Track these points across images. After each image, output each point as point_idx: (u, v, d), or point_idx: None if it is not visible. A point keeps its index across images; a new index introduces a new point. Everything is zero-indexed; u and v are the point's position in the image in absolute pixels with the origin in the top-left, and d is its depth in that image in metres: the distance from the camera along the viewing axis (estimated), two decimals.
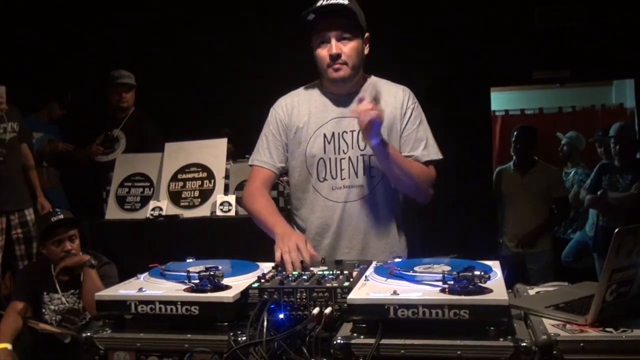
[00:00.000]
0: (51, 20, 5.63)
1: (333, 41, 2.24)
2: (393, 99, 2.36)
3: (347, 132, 2.34)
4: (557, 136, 6.22)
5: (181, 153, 3.98)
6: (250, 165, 2.45)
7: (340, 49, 2.24)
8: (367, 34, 2.32)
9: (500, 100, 7.41)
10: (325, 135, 2.35)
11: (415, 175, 2.29)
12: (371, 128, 2.07)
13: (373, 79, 2.42)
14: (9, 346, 3.01)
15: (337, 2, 2.22)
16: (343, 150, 2.35)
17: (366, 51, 2.34)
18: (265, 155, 2.41)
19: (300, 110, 2.39)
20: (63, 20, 5.64)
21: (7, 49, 5.27)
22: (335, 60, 2.25)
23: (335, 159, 2.35)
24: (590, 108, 7.61)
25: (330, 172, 2.36)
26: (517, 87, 7.35)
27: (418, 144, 2.35)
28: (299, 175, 2.41)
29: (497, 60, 5.57)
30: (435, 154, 2.37)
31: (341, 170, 2.35)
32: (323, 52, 2.27)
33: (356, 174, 2.35)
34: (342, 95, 2.37)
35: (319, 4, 2.24)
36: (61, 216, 3.15)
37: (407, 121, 2.35)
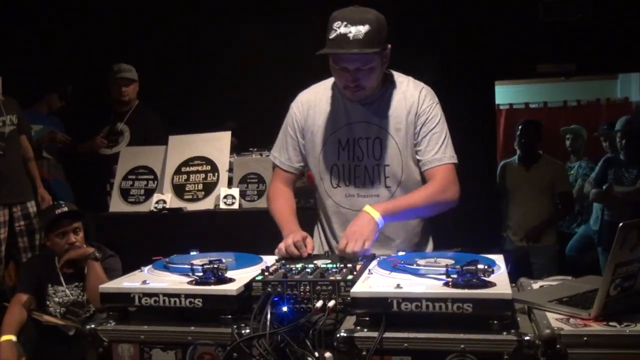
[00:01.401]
0: (50, 11, 5.61)
1: (351, 72, 2.12)
2: (409, 103, 2.25)
3: (362, 139, 2.27)
4: (561, 132, 6.19)
5: (185, 146, 3.98)
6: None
7: (357, 79, 2.14)
8: (388, 46, 2.16)
9: (505, 94, 7.38)
10: (340, 141, 2.29)
11: (427, 204, 2.19)
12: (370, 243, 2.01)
13: (393, 78, 2.29)
14: (13, 338, 3.02)
15: (351, 47, 2.03)
16: (358, 157, 2.28)
17: (386, 63, 2.21)
18: (284, 156, 2.40)
19: (316, 112, 2.32)
20: (63, 12, 5.62)
21: (4, 41, 5.25)
22: (353, 86, 2.17)
23: (350, 165, 2.29)
24: (595, 102, 7.59)
25: (344, 179, 2.31)
26: (521, 80, 7.32)
27: (432, 146, 2.23)
28: (315, 178, 2.39)
29: (502, 54, 5.55)
30: (449, 157, 2.25)
31: (355, 178, 2.30)
32: (339, 75, 2.17)
33: (372, 182, 2.29)
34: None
35: (333, 35, 2.06)
36: (65, 208, 3.15)
37: (423, 124, 2.24)
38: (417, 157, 2.27)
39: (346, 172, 2.30)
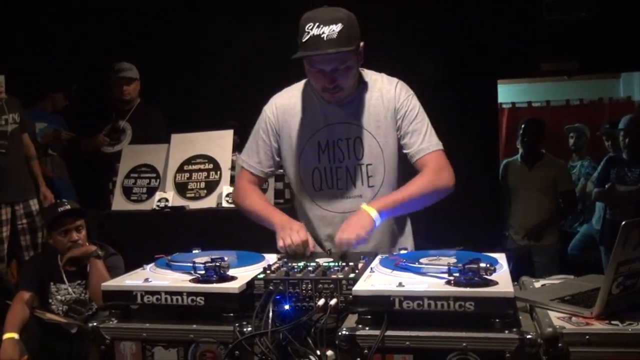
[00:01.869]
0: (50, 11, 5.61)
1: (327, 74, 2.11)
2: (386, 99, 2.24)
3: (342, 140, 2.25)
4: (565, 130, 6.18)
5: (187, 144, 3.98)
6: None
7: (335, 80, 2.12)
8: (361, 44, 2.14)
9: (507, 93, 7.38)
10: (319, 144, 2.26)
11: (423, 193, 2.16)
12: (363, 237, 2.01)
13: (367, 77, 2.28)
14: (16, 336, 3.02)
15: (327, 47, 2.01)
16: (339, 159, 2.26)
17: (361, 61, 2.19)
18: (254, 159, 2.35)
19: (293, 115, 2.29)
20: (63, 12, 5.62)
21: (8, 39, 5.26)
22: (331, 87, 2.14)
23: (331, 168, 2.27)
24: (597, 101, 7.58)
25: (326, 182, 2.28)
26: (524, 79, 7.31)
27: (416, 138, 2.22)
28: (294, 183, 2.36)
29: (504, 52, 5.53)
30: (435, 144, 2.23)
31: (337, 180, 2.27)
32: (316, 77, 2.15)
33: (354, 184, 2.27)
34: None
35: (306, 38, 2.03)
36: (68, 206, 3.16)
37: (403, 117, 2.23)
38: (405, 151, 2.25)
39: (327, 175, 2.28)
